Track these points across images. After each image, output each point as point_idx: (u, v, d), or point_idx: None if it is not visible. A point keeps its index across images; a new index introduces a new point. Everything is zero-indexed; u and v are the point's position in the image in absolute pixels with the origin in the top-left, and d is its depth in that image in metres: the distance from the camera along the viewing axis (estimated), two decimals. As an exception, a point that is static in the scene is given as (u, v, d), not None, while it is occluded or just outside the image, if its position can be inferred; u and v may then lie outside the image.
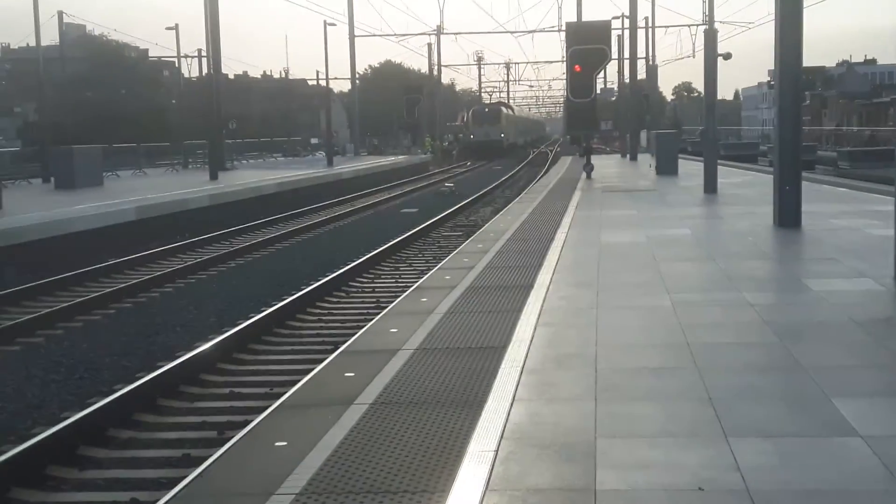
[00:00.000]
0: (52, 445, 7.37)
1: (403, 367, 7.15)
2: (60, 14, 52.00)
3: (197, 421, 8.38)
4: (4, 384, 9.68)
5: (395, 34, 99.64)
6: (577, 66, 26.99)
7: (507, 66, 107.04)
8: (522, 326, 8.31)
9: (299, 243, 21.56)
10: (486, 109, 77.06)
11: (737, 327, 8.11)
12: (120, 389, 8.79)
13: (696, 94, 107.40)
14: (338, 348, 8.10)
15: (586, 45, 26.72)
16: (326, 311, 13.12)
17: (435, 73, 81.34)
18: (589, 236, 14.84)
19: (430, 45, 78.40)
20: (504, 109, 79.48)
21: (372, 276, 16.09)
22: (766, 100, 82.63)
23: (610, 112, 50.28)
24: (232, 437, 5.95)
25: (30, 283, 15.47)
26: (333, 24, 57.49)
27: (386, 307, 10.10)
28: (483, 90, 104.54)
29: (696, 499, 4.55)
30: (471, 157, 68.66)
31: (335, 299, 13.95)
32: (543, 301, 9.48)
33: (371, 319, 9.42)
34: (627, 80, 47.04)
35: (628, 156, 44.12)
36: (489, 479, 4.85)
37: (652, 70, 52.49)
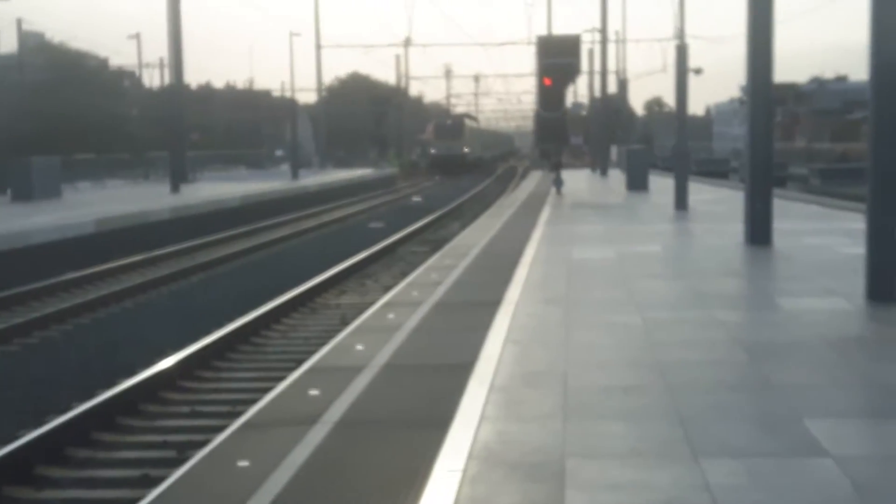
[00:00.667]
0: (7, 464, 7.17)
1: (369, 385, 7.03)
2: (19, 21, 51.58)
3: (157, 440, 8.21)
4: (-41, 401, 9.45)
5: (362, 45, 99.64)
6: (546, 80, 27.05)
7: (477, 78, 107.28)
8: (491, 344, 8.21)
9: (263, 258, 21.38)
10: (448, 122, 71.57)
11: (707, 345, 8.06)
12: (77, 407, 8.59)
13: (667, 109, 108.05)
14: (302, 366, 7.96)
15: (556, 58, 26.78)
16: (290, 328, 12.96)
17: (403, 84, 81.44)
18: (559, 252, 14.80)
19: (398, 56, 78.53)
20: (467, 122, 74.36)
21: (337, 291, 15.94)
22: (737, 115, 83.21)
23: (580, 126, 50.50)
24: (192, 456, 5.79)
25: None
26: (299, 35, 57.58)
27: (352, 324, 9.97)
28: (451, 104, 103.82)
29: (666, 520, 4.48)
30: (432, 173, 65.47)
31: (300, 315, 13.79)
32: (512, 318, 9.39)
33: (336, 336, 9.28)
34: (598, 95, 47.26)
35: (599, 171, 44.29)
36: (456, 499, 4.75)
37: (622, 84, 52.83)
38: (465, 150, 68.75)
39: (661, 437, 5.66)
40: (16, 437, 7.93)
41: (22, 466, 7.30)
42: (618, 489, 4.84)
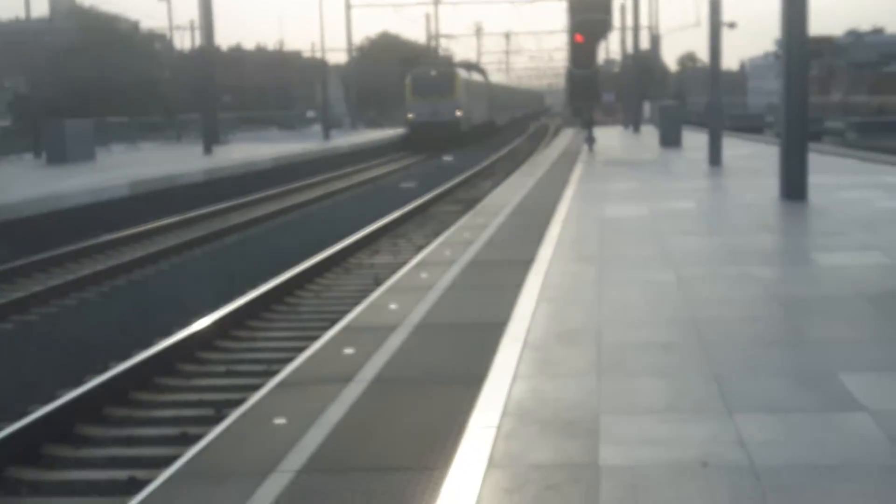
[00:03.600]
0: (48, 424, 7.28)
1: (403, 344, 7.07)
2: (50, -15, 51.63)
3: (194, 399, 8.30)
4: None
5: (392, 4, 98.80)
6: (578, 36, 26.80)
7: (507, 36, 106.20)
8: (524, 302, 8.22)
9: (296, 219, 21.44)
10: (433, 73, 50.35)
11: (742, 301, 8.01)
12: (115, 367, 8.70)
13: (700, 64, 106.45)
14: (336, 325, 8.01)
15: (588, 14, 26.52)
16: (324, 288, 13.02)
17: (433, 44, 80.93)
18: (591, 210, 14.74)
19: (428, 15, 77.81)
20: (462, 74, 52.20)
21: (370, 251, 15.99)
22: (772, 70, 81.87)
23: (612, 83, 50.07)
24: (229, 415, 5.86)
25: (24, 260, 15.37)
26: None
27: (385, 283, 10.00)
28: (482, 62, 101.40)
29: (700, 474, 4.49)
30: (410, 147, 47.11)
31: (333, 275, 13.85)
32: (545, 276, 9.38)
33: (370, 295, 9.32)
34: (630, 51, 46.78)
35: (631, 128, 43.97)
36: (491, 455, 4.78)
37: (655, 40, 52.22)
38: (458, 113, 49.06)
39: (695, 393, 5.66)
40: (55, 397, 8.05)
41: (62, 425, 7.41)
42: (652, 444, 4.85)
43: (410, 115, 48.85)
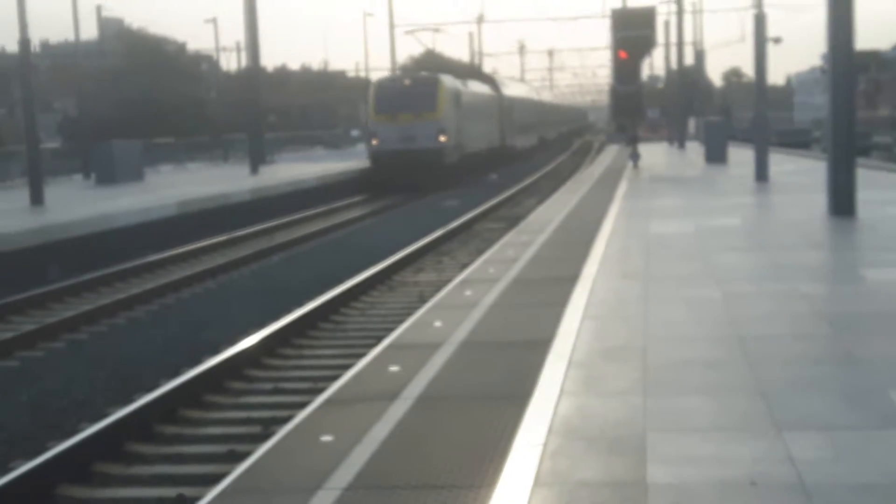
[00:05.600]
0: (98, 441, 7.38)
1: (448, 361, 7.09)
2: (99, 8, 52.55)
3: (242, 416, 8.37)
4: (50, 381, 9.73)
5: (435, 24, 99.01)
6: (622, 53, 26.78)
7: (550, 53, 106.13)
8: (569, 319, 8.21)
9: (341, 237, 21.56)
10: (406, 83, 35.52)
11: (789, 319, 7.95)
12: (164, 385, 8.80)
13: (745, 80, 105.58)
14: (382, 342, 8.05)
15: (631, 30, 26.49)
16: (369, 305, 13.08)
17: (476, 62, 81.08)
18: (636, 227, 14.68)
19: (471, 34, 77.81)
20: (449, 83, 36.43)
21: (415, 269, 16.04)
22: (818, 84, 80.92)
23: (657, 99, 49.85)
24: (277, 432, 5.90)
25: (75, 280, 15.60)
26: (372, 15, 57.07)
27: (430, 301, 10.03)
28: (525, 79, 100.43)
29: (749, 493, 4.46)
30: (376, 181, 33.31)
31: (378, 293, 13.90)
32: (590, 293, 9.37)
33: (415, 313, 9.35)
34: (675, 67, 46.60)
35: (676, 144, 43.76)
36: (537, 473, 4.78)
37: (699, 55, 51.95)
38: (442, 138, 34.10)
39: (742, 410, 5.62)
40: (106, 415, 8.15)
41: (112, 443, 7.51)
42: (700, 463, 4.82)
43: (374, 141, 34.21)
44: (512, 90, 53.16)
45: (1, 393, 9.35)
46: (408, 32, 49.59)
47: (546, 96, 78.31)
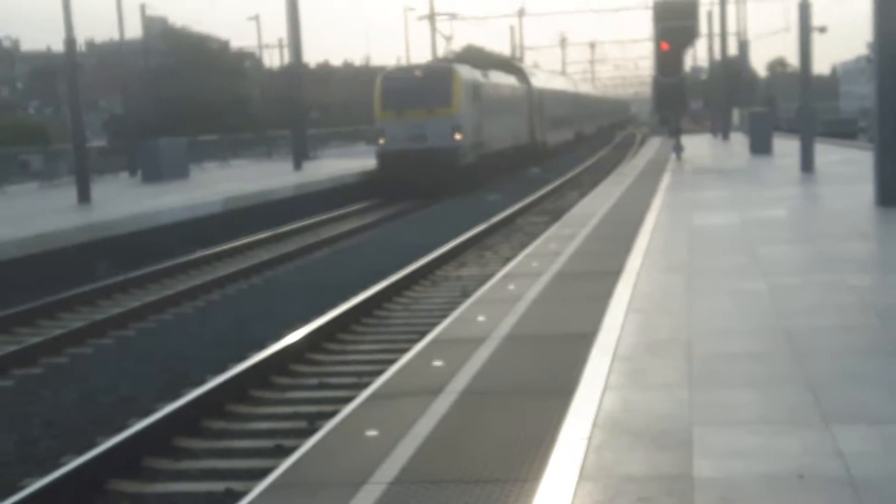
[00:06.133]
0: (147, 436, 7.47)
1: (492, 356, 7.09)
2: (143, 7, 53.14)
3: (288, 411, 8.43)
4: (98, 377, 9.86)
5: (476, 17, 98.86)
6: (664, 44, 26.59)
7: (592, 45, 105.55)
8: (613, 313, 8.18)
9: (384, 232, 21.62)
10: (417, 74, 31.97)
11: (837, 311, 7.86)
12: (211, 381, 8.89)
13: (790, 70, 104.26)
14: (425, 337, 8.07)
15: (674, 21, 26.30)
16: (412, 300, 13.11)
17: (518, 55, 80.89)
18: (680, 219, 14.59)
19: (512, 27, 77.58)
20: (466, 73, 32.56)
21: (457, 263, 16.05)
22: (864, 74, 79.70)
23: (700, 91, 49.39)
24: (322, 426, 5.95)
25: (122, 276, 15.80)
26: (413, 10, 55.76)
27: (473, 295, 10.04)
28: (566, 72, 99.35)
29: (796, 486, 4.42)
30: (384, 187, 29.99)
31: (421, 288, 13.94)
32: (634, 286, 9.33)
33: (458, 308, 9.37)
34: (718, 57, 46.14)
35: (720, 135, 43.39)
36: (582, 467, 4.77)
37: (743, 46, 51.40)
38: (458, 136, 30.59)
39: (790, 403, 5.58)
40: (154, 410, 8.25)
41: (161, 438, 7.60)
42: (747, 456, 4.79)
43: (381, 140, 31.01)
44: (542, 81, 49.69)
45: (52, 389, 9.50)
46: (421, 19, 46.69)
47: (584, 88, 74.20)
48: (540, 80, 48.63)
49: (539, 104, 45.46)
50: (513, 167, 37.30)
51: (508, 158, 37.43)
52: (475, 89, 32.72)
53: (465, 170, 30.82)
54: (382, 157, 30.72)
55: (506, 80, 39.99)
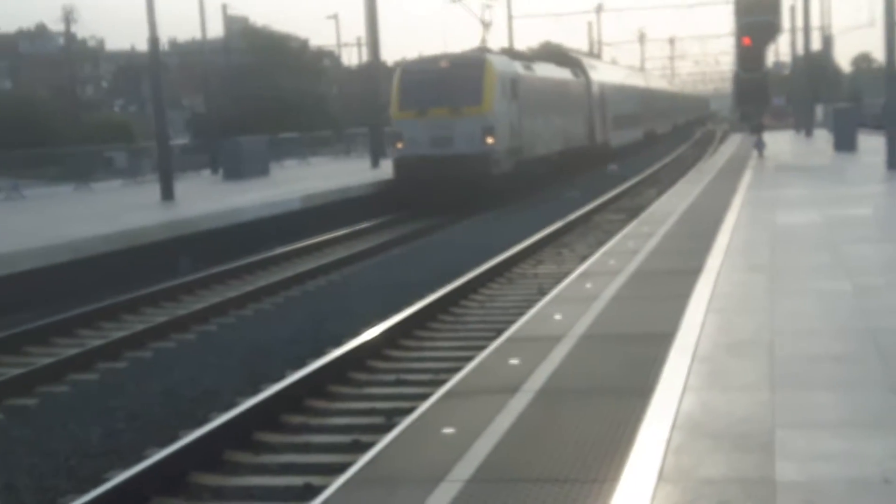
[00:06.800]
0: (228, 430, 7.59)
1: (569, 354, 7.06)
2: (224, 7, 53.85)
3: (365, 407, 8.49)
4: (180, 371, 10.04)
5: (554, 13, 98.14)
6: (745, 39, 26.20)
7: (671, 41, 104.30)
8: (692, 312, 8.09)
9: (460, 230, 21.64)
10: (443, 65, 26.30)
11: (923, 311, 7.67)
12: (290, 376, 8.99)
13: (876, 65, 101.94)
14: (502, 335, 8.06)
15: (755, 16, 25.90)
16: (489, 298, 13.11)
17: (596, 51, 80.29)
18: (761, 217, 14.36)
19: (590, 23, 77.02)
20: (500, 65, 27.31)
21: (534, 261, 16.00)
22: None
23: (782, 86, 48.53)
24: (400, 423, 5.98)
25: (204, 273, 16.06)
26: (491, 6, 54.81)
27: (549, 293, 10.00)
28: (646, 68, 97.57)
29: (881, 491, 4.34)
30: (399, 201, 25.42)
31: (497, 286, 13.92)
32: (714, 286, 9.20)
33: (535, 306, 9.34)
34: (801, 52, 45.31)
35: (803, 132, 42.61)
36: (661, 469, 4.73)
37: (827, 41, 50.40)
38: (490, 140, 25.61)
39: (874, 406, 5.46)
40: (235, 405, 8.38)
41: (242, 432, 7.71)
42: (830, 460, 4.71)
43: (399, 145, 26.18)
44: (604, 74, 43.66)
45: (135, 383, 9.70)
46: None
47: (657, 83, 68.54)
48: (601, 74, 43.11)
49: (600, 101, 40.36)
50: (562, 176, 31.97)
51: (557, 165, 32.22)
52: (513, 83, 27.67)
53: (499, 179, 25.85)
54: (399, 164, 25.77)
55: (556, 73, 34.72)
